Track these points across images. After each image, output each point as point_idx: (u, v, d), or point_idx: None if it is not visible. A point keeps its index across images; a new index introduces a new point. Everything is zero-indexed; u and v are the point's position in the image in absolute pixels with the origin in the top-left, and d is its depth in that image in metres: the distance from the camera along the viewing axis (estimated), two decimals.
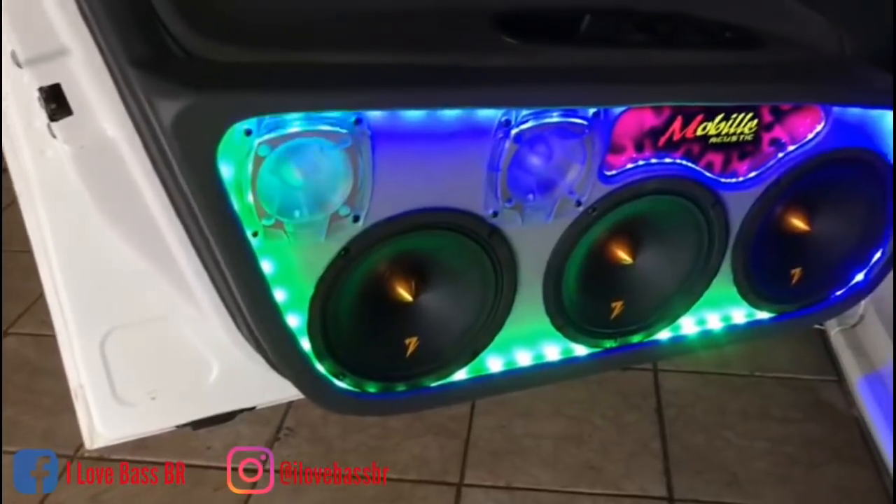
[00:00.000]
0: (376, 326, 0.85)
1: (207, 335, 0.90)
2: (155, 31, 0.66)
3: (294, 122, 0.69)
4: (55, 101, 0.72)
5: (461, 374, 0.90)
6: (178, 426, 0.98)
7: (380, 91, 0.70)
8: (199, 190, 0.67)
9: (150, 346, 0.92)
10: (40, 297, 1.77)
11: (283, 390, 0.94)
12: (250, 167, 0.69)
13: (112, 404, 0.93)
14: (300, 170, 0.73)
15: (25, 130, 0.78)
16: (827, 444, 1.40)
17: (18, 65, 0.71)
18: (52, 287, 0.89)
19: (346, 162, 0.73)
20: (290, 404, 1.52)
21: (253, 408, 1.01)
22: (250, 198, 0.71)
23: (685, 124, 0.85)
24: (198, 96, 0.64)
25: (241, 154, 0.69)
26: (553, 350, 0.94)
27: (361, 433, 1.45)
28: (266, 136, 0.69)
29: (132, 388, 0.93)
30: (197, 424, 0.99)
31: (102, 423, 0.93)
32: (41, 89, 0.72)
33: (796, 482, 1.34)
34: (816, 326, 1.46)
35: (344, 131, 0.71)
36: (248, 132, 0.68)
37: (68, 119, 0.73)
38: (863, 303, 1.16)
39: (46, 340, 1.74)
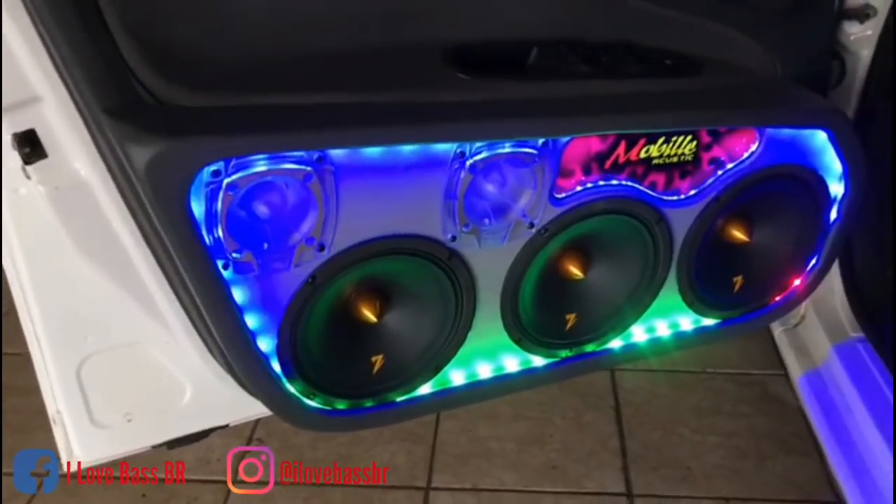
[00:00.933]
0: (344, 347, 0.89)
1: (179, 358, 0.94)
2: (124, 78, 0.70)
3: (260, 162, 0.73)
4: (29, 146, 0.75)
5: (426, 388, 0.95)
6: (153, 446, 1.02)
7: (340, 131, 0.75)
8: (171, 228, 0.71)
9: (124, 371, 0.95)
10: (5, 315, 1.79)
11: (254, 407, 0.98)
12: (220, 204, 0.73)
13: (89, 428, 0.96)
14: (267, 205, 0.77)
15: None
16: (775, 436, 1.48)
17: None
18: (27, 316, 0.92)
19: (311, 196, 0.77)
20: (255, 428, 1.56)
21: (226, 425, 1.05)
22: (220, 232, 0.75)
23: (629, 148, 0.90)
24: (168, 143, 0.68)
25: (210, 192, 0.72)
26: (512, 362, 0.99)
27: (331, 441, 1.50)
28: (234, 176, 0.73)
29: (108, 412, 0.96)
30: (172, 444, 1.03)
31: (80, 447, 0.96)
32: (15, 135, 0.75)
33: (746, 474, 1.41)
34: None
35: (308, 168, 0.75)
36: (217, 172, 0.72)
37: (43, 161, 0.76)
38: (803, 304, 1.23)
39: (12, 359, 1.76)
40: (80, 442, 0.95)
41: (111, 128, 0.68)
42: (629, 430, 1.51)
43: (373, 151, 0.77)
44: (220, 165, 0.71)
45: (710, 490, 1.38)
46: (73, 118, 0.73)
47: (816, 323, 1.22)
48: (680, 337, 1.06)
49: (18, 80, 0.72)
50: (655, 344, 1.05)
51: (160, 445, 1.02)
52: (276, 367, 0.85)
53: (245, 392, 0.93)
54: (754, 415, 1.53)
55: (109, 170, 0.75)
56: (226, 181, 0.72)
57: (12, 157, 0.79)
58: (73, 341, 0.92)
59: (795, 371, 1.25)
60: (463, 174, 0.82)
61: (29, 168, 0.77)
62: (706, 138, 0.94)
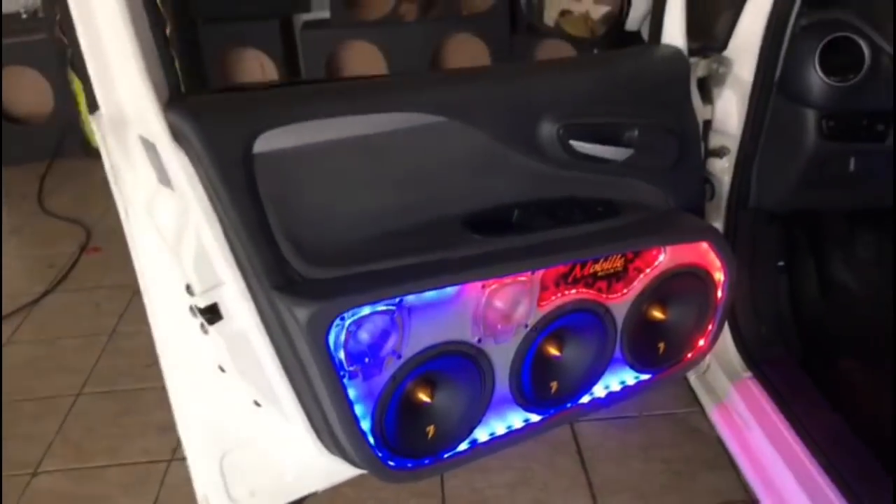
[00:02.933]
0: (409, 422, 1.30)
1: (289, 445, 1.33)
2: (284, 266, 1.12)
3: (365, 307, 1.16)
4: (211, 313, 1.16)
5: (463, 445, 1.37)
6: None
7: (410, 284, 1.18)
8: (318, 357, 1.12)
9: (252, 459, 1.34)
10: (56, 436, 2.11)
11: (343, 475, 1.39)
12: (342, 337, 1.15)
13: (223, 497, 1.35)
14: (367, 333, 1.19)
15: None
16: (701, 458, 1.93)
17: (191, 293, 1.15)
18: (184, 425, 1.30)
19: (394, 324, 1.20)
20: None
21: (316, 492, 1.44)
22: (342, 355, 1.17)
23: (582, 268, 1.37)
24: (318, 305, 1.10)
25: (337, 330, 1.15)
26: (517, 420, 1.42)
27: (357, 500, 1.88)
28: (351, 319, 1.15)
29: (239, 489, 1.35)
30: None
31: None
32: (201, 310, 1.15)
33: (684, 489, 1.86)
34: None
35: (393, 308, 1.18)
36: (342, 318, 1.14)
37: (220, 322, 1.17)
38: (708, 356, 1.71)
39: (75, 473, 2.08)
40: None
41: (280, 299, 1.10)
42: (591, 467, 1.95)
43: (436, 293, 1.21)
44: (344, 313, 1.14)
45: (660, 502, 1.83)
46: (244, 294, 1.14)
47: (718, 368, 1.70)
48: (626, 390, 1.51)
49: (210, 272, 1.13)
50: (610, 397, 1.50)
51: None
52: (371, 440, 1.26)
53: (335, 463, 1.33)
54: (684, 444, 1.99)
55: (266, 325, 1.16)
56: (347, 322, 1.15)
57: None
58: (217, 440, 1.31)
59: (708, 406, 1.73)
60: (483, 298, 1.27)
61: (208, 324, 1.18)
62: (630, 255, 1.41)
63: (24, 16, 4.12)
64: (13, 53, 4.03)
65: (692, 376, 1.78)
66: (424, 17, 3.99)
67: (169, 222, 1.12)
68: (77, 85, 4.07)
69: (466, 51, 4.06)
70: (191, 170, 1.05)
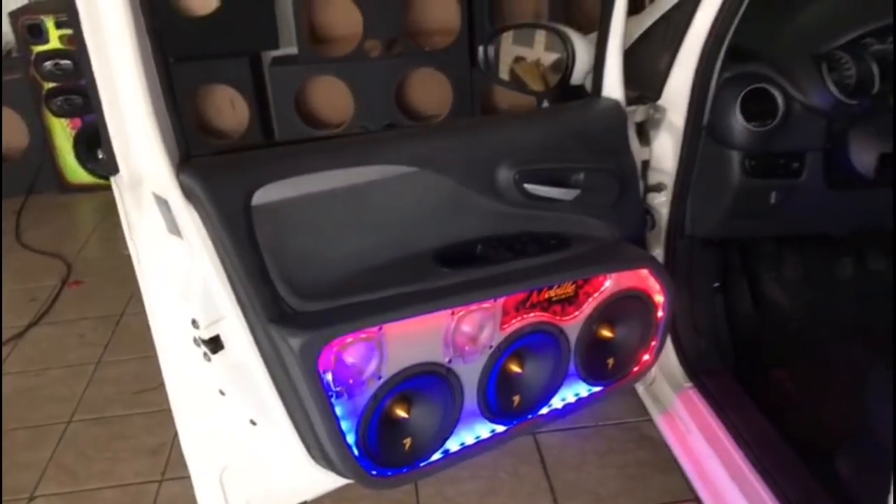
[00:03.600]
0: (388, 436, 1.47)
1: (285, 463, 1.49)
2: (279, 301, 1.29)
3: (349, 337, 1.33)
4: (213, 343, 1.32)
5: (436, 455, 1.55)
6: None
7: (390, 313, 1.36)
8: (310, 380, 1.29)
9: (249, 472, 1.50)
10: (49, 462, 2.23)
11: (329, 485, 1.55)
12: (331, 363, 1.32)
13: None
14: (351, 356, 1.36)
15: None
16: (652, 463, 2.12)
17: (196, 326, 1.31)
18: (187, 442, 1.46)
19: (375, 349, 1.37)
20: None
21: (306, 501, 1.60)
22: (329, 377, 1.34)
23: (538, 294, 1.55)
24: (307, 336, 1.27)
25: (336, 353, 1.32)
26: (485, 431, 1.59)
27: None
28: (337, 347, 1.32)
29: (236, 499, 1.51)
30: None
31: None
32: (204, 341, 1.32)
33: (637, 490, 2.05)
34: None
35: (374, 334, 1.36)
36: (330, 346, 1.31)
37: (221, 351, 1.33)
38: (653, 369, 1.90)
39: (70, 496, 2.21)
40: None
41: (276, 330, 1.27)
42: (553, 474, 2.13)
43: (412, 320, 1.39)
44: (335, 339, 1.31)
45: (597, 500, 2.01)
46: (244, 326, 1.31)
47: (663, 380, 1.89)
48: (580, 401, 1.70)
49: (213, 308, 1.30)
50: (567, 408, 1.69)
51: None
52: (355, 452, 1.42)
53: (324, 474, 1.49)
54: (636, 450, 2.18)
55: (263, 353, 1.32)
56: (335, 350, 1.32)
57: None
58: (216, 457, 1.47)
59: (655, 415, 1.92)
60: (453, 324, 1.45)
61: (211, 354, 1.34)
62: (580, 282, 1.60)
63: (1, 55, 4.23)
64: None
65: (640, 388, 1.98)
66: (388, 53, 4.18)
67: (177, 266, 1.29)
68: (53, 122, 4.19)
69: (429, 85, 4.26)
70: (198, 222, 1.22)
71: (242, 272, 1.26)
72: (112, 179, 1.31)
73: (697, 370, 1.86)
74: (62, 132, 4.24)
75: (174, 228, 1.25)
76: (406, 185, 1.41)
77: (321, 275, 1.36)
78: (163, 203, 1.23)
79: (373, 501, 2.07)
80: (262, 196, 1.26)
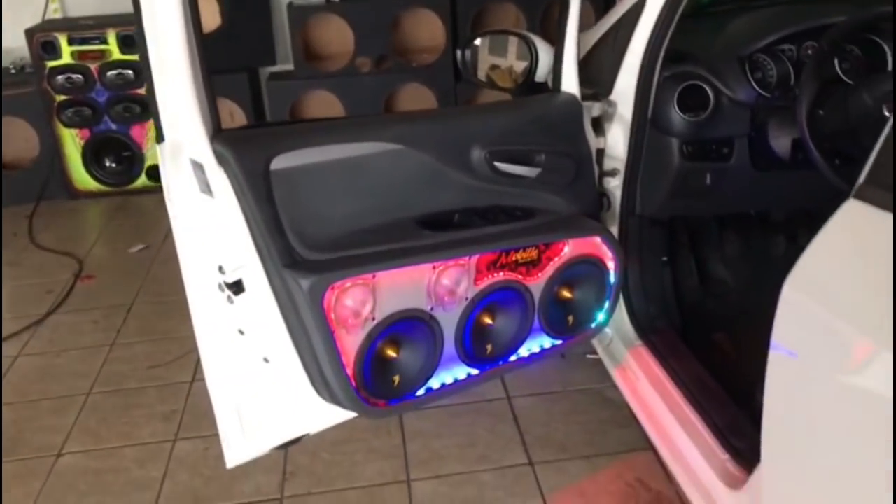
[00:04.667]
0: (380, 372, 1.75)
1: (291, 398, 1.76)
2: (291, 252, 1.57)
3: (349, 280, 1.61)
4: (236, 287, 1.60)
5: (420, 391, 1.82)
6: (274, 448, 1.83)
7: (383, 262, 1.64)
8: (317, 316, 1.57)
9: (261, 405, 1.77)
10: (74, 426, 2.48)
11: (330, 420, 1.82)
12: (334, 301, 1.60)
13: (241, 440, 1.77)
14: (351, 299, 1.64)
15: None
16: (613, 420, 2.41)
17: (222, 272, 1.59)
18: (211, 377, 1.73)
19: (370, 293, 1.65)
20: (286, 458, 2.34)
21: (308, 433, 1.87)
22: (332, 316, 1.61)
23: (506, 256, 1.84)
24: (316, 277, 1.55)
25: (338, 294, 1.60)
26: (461, 373, 1.87)
27: (337, 466, 2.31)
28: (338, 289, 1.60)
29: (250, 428, 1.78)
30: (282, 447, 1.85)
31: (235, 450, 1.77)
32: (228, 285, 1.60)
33: (598, 442, 2.33)
34: (593, 357, 2.48)
35: (369, 280, 1.64)
36: (333, 287, 1.59)
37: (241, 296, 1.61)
38: (610, 332, 2.19)
39: (94, 453, 2.47)
40: (234, 450, 1.76)
41: (289, 274, 1.55)
42: (524, 430, 2.41)
43: (400, 271, 1.67)
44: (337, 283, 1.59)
45: (578, 453, 2.29)
46: (262, 272, 1.59)
47: (618, 340, 2.18)
48: (544, 351, 1.97)
49: (237, 256, 1.58)
50: (532, 356, 1.96)
51: (279, 447, 1.83)
52: (353, 383, 1.69)
53: (324, 409, 1.76)
54: (598, 411, 2.46)
55: (277, 294, 1.60)
56: (335, 291, 1.60)
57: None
58: (236, 389, 1.74)
59: (612, 369, 2.20)
60: (434, 277, 1.73)
61: (234, 296, 1.62)
62: (542, 247, 1.89)
63: (13, 71, 4.51)
64: (3, 104, 4.42)
65: (599, 348, 2.26)
66: (378, 69, 4.50)
67: (207, 221, 1.57)
68: (64, 132, 4.47)
69: (416, 98, 4.57)
70: (227, 182, 1.51)
71: (262, 225, 1.54)
72: (158, 147, 1.59)
73: (647, 331, 2.14)
74: (72, 142, 4.52)
75: (206, 189, 1.53)
76: (393, 160, 1.70)
77: (325, 231, 1.64)
78: (198, 167, 1.52)
79: (364, 454, 2.35)
80: (278, 163, 1.54)
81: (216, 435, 2.21)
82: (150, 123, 4.50)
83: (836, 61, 1.90)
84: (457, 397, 2.48)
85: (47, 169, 4.53)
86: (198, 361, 2.87)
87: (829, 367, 1.12)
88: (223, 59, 4.42)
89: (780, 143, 1.96)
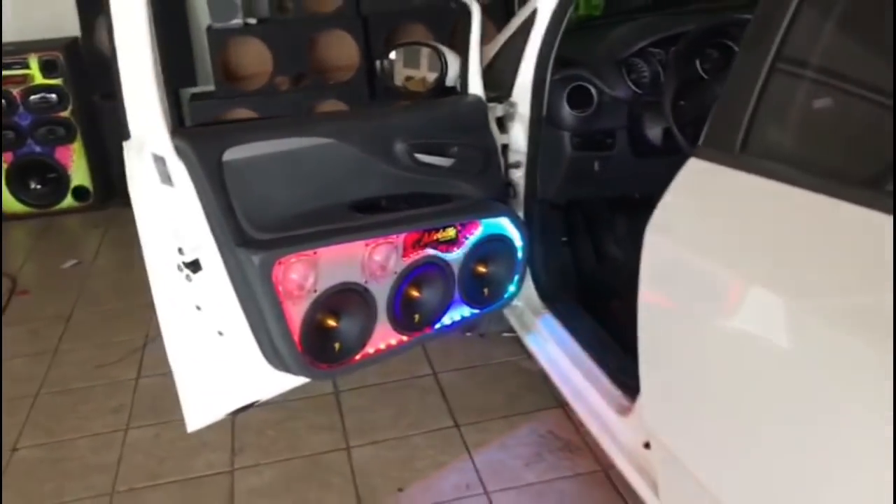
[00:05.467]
0: (322, 340, 2.00)
1: (244, 368, 2.00)
2: (242, 231, 1.81)
3: (294, 257, 1.87)
4: (194, 266, 1.83)
5: (358, 356, 2.08)
6: (229, 413, 2.06)
7: (319, 241, 1.90)
8: (266, 289, 1.82)
9: (217, 374, 2.00)
10: (25, 423, 2.64)
11: (278, 387, 2.06)
12: (281, 276, 1.86)
13: (200, 406, 2.00)
14: (295, 274, 1.89)
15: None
16: (529, 386, 2.70)
17: (181, 253, 1.82)
18: (171, 350, 1.95)
19: (311, 269, 1.91)
20: (233, 436, 2.56)
21: (259, 400, 2.10)
22: (280, 288, 1.86)
23: (429, 235, 2.12)
24: (265, 254, 1.80)
25: (283, 268, 1.85)
26: (393, 339, 2.13)
27: (282, 441, 2.54)
28: (285, 263, 1.85)
29: (207, 394, 2.01)
30: (237, 412, 2.08)
31: (194, 415, 1.99)
32: (187, 264, 1.83)
33: (515, 404, 2.62)
34: (510, 335, 2.78)
35: (311, 255, 1.89)
36: (280, 263, 1.84)
37: (200, 272, 1.84)
38: (520, 303, 2.50)
39: (48, 446, 2.63)
40: (192, 412, 1.98)
41: (241, 252, 1.79)
42: (450, 399, 2.69)
43: (336, 248, 1.93)
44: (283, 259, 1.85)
45: (498, 414, 2.59)
46: (216, 251, 1.83)
47: (527, 308, 2.49)
48: (464, 320, 2.26)
49: (194, 238, 1.81)
50: (454, 324, 2.25)
51: (235, 412, 2.06)
52: (299, 349, 1.94)
53: (276, 377, 2.00)
54: (515, 378, 2.76)
55: (230, 271, 1.84)
56: (282, 265, 1.85)
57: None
58: (194, 360, 1.97)
59: (523, 334, 2.51)
60: (367, 253, 2.00)
61: (191, 275, 1.85)
62: (458, 227, 2.18)
63: None
64: None
65: (512, 319, 2.56)
66: (296, 87, 4.75)
67: (167, 209, 1.81)
68: None
69: None
70: (185, 173, 1.75)
71: (217, 209, 1.78)
72: (124, 144, 1.82)
73: (552, 300, 2.46)
74: None
75: (167, 179, 1.77)
76: (327, 152, 1.97)
77: (271, 214, 1.89)
78: (160, 160, 1.75)
79: (307, 428, 2.59)
80: (229, 155, 1.79)
81: (166, 422, 2.47)
82: (75, 145, 4.65)
83: (697, 62, 2.26)
84: (388, 375, 2.78)
85: None
86: (142, 360, 3.07)
87: (683, 297, 1.44)
88: None
89: (654, 132, 2.31)
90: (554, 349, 2.33)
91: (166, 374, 2.00)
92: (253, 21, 4.70)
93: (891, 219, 1.03)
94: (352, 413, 2.66)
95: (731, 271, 1.31)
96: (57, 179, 4.72)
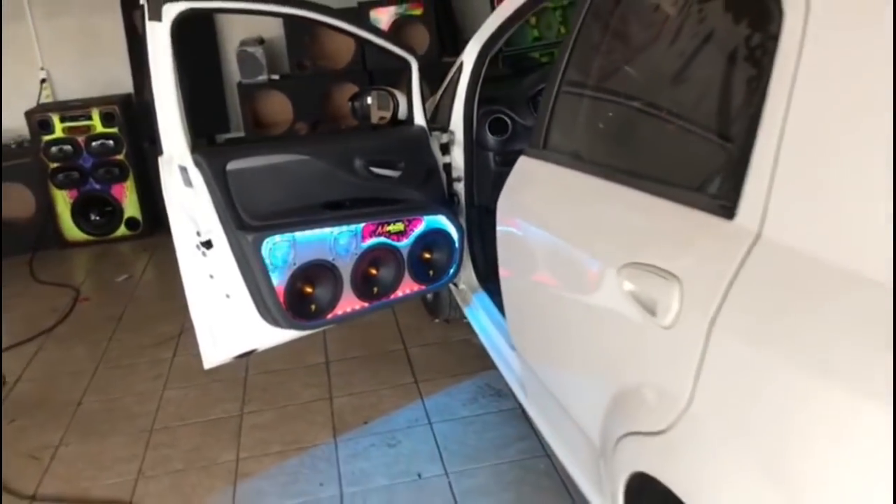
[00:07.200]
0: (301, 303, 2.75)
1: (245, 321, 2.76)
2: (240, 219, 2.59)
3: (277, 236, 2.64)
4: (208, 245, 2.61)
5: (330, 315, 2.82)
6: (235, 356, 2.81)
7: (297, 227, 2.67)
8: (257, 260, 2.58)
9: (225, 326, 2.76)
10: (90, 382, 3.44)
11: (271, 340, 2.82)
12: (267, 251, 2.62)
13: (213, 350, 2.76)
14: (280, 251, 2.66)
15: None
16: (475, 354, 3.41)
17: (198, 235, 2.60)
18: (193, 308, 2.73)
19: (291, 249, 2.67)
20: (245, 391, 3.32)
21: (257, 349, 2.86)
22: (268, 262, 2.63)
23: (382, 227, 2.88)
24: (257, 234, 2.58)
25: (266, 248, 2.61)
26: (357, 305, 2.88)
27: (281, 394, 3.29)
28: (271, 242, 2.62)
29: (218, 341, 2.77)
30: (241, 356, 2.84)
31: (209, 356, 2.76)
32: (202, 243, 2.61)
33: (461, 366, 3.34)
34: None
35: (290, 240, 2.66)
36: (268, 242, 2.61)
37: (211, 249, 2.62)
38: (463, 285, 3.22)
39: (109, 401, 3.41)
40: (209, 352, 2.75)
41: (240, 234, 2.57)
42: (415, 364, 3.42)
43: (308, 235, 2.70)
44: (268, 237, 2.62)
45: (448, 373, 3.30)
46: (223, 233, 2.60)
47: (467, 287, 3.22)
48: (415, 293, 3.00)
49: (207, 224, 2.59)
50: (406, 296, 2.98)
51: (240, 356, 2.82)
52: (283, 307, 2.70)
53: (270, 330, 2.76)
54: (466, 349, 3.47)
55: (232, 248, 2.61)
56: (271, 244, 2.62)
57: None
58: (208, 315, 2.74)
59: (463, 307, 3.24)
60: (333, 237, 2.76)
61: (206, 251, 2.63)
62: (406, 221, 2.93)
63: (13, 146, 5.52)
64: (5, 173, 5.41)
65: (458, 297, 3.29)
66: (313, 131, 5.60)
67: (188, 204, 2.60)
68: (56, 193, 5.47)
69: None
70: (200, 178, 2.54)
71: (222, 204, 2.56)
72: (159, 159, 2.62)
73: (486, 281, 3.19)
74: (62, 201, 5.51)
75: (188, 183, 2.56)
76: (304, 165, 2.75)
77: (262, 208, 2.66)
78: (183, 169, 2.55)
79: (301, 385, 3.34)
80: (232, 165, 2.58)
81: (193, 386, 3.23)
82: (128, 183, 5.53)
83: None
84: (368, 348, 3.52)
85: (42, 224, 5.50)
86: (177, 345, 3.85)
87: (519, 250, 2.18)
88: None
89: None
90: (483, 317, 3.06)
91: (195, 355, 2.70)
92: (276, 77, 5.59)
93: (614, 184, 1.73)
94: (336, 375, 3.41)
95: (537, 228, 2.05)
96: (112, 212, 5.61)
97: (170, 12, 2.36)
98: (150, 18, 2.35)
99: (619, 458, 1.55)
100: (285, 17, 3.16)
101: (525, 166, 2.21)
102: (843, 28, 1.18)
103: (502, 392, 3.13)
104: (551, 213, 1.98)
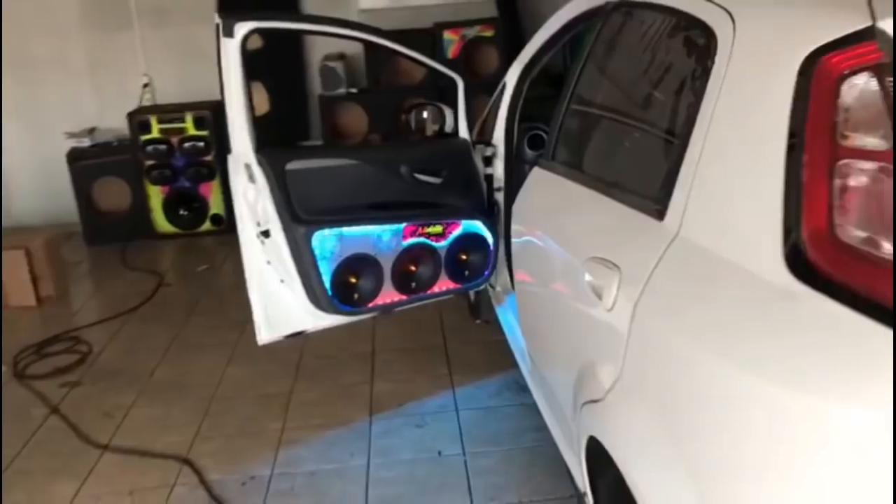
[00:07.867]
0: (347, 291, 3.08)
1: (296, 305, 3.10)
2: (295, 213, 2.94)
3: (326, 230, 2.97)
4: (266, 234, 2.97)
5: (371, 304, 3.14)
6: (285, 336, 3.16)
7: (344, 224, 3.00)
8: (308, 252, 2.92)
9: (278, 307, 3.11)
10: (164, 355, 3.87)
11: (319, 323, 3.16)
12: (316, 244, 2.96)
13: (267, 329, 3.12)
14: (332, 244, 2.99)
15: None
16: (496, 345, 3.70)
17: (259, 225, 2.96)
18: (252, 290, 3.09)
19: (338, 242, 3.00)
20: (297, 371, 3.67)
21: (306, 330, 3.20)
22: (317, 252, 2.97)
23: (423, 228, 3.18)
24: (307, 227, 2.92)
25: (315, 240, 2.95)
26: (396, 297, 3.18)
27: (328, 376, 3.63)
28: (321, 236, 2.96)
29: (272, 321, 3.13)
30: (291, 336, 3.18)
31: (263, 334, 3.11)
32: (262, 232, 2.97)
33: (492, 362, 3.61)
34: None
35: (338, 234, 2.99)
36: (320, 235, 2.95)
37: (269, 239, 2.98)
38: (497, 286, 3.50)
39: (180, 371, 3.82)
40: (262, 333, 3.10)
41: (294, 227, 2.91)
42: (452, 359, 3.71)
43: (354, 230, 3.03)
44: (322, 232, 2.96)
45: (482, 369, 3.57)
46: (279, 225, 2.96)
47: (502, 289, 3.50)
48: (450, 290, 3.28)
49: (267, 216, 2.95)
50: (443, 293, 3.28)
51: (290, 336, 3.16)
52: (330, 294, 3.03)
53: (317, 314, 3.10)
54: (502, 348, 3.75)
55: (286, 238, 2.96)
56: (320, 236, 2.96)
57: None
58: (264, 297, 3.10)
59: (496, 305, 3.51)
60: (377, 234, 3.08)
61: (265, 240, 2.99)
62: (444, 225, 3.23)
63: (115, 143, 6.08)
64: (106, 168, 5.97)
65: (493, 296, 3.57)
66: (386, 142, 5.97)
67: (252, 197, 2.96)
68: (150, 189, 6.00)
69: None
70: (262, 176, 2.90)
71: (280, 199, 2.92)
72: (228, 157, 2.99)
73: None
74: (155, 196, 6.03)
75: (252, 179, 2.92)
76: (354, 169, 3.08)
77: (314, 205, 3.00)
78: (248, 167, 2.91)
79: (348, 369, 3.67)
80: (290, 166, 2.93)
81: (253, 365, 3.60)
82: (214, 182, 6.01)
83: None
84: (411, 342, 3.83)
85: (136, 216, 6.03)
86: (245, 329, 4.25)
87: (529, 239, 2.45)
88: (271, 137, 5.91)
89: None
90: (510, 315, 3.33)
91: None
92: (354, 90, 5.99)
93: (591, 191, 2.00)
94: (379, 364, 3.73)
95: (535, 229, 2.33)
96: (199, 208, 6.10)
97: (241, 30, 2.73)
98: (224, 35, 2.73)
99: (579, 425, 1.81)
100: (340, 37, 3.51)
101: (536, 176, 2.48)
102: (749, 77, 1.43)
103: (526, 388, 3.37)
104: (545, 215, 2.26)
